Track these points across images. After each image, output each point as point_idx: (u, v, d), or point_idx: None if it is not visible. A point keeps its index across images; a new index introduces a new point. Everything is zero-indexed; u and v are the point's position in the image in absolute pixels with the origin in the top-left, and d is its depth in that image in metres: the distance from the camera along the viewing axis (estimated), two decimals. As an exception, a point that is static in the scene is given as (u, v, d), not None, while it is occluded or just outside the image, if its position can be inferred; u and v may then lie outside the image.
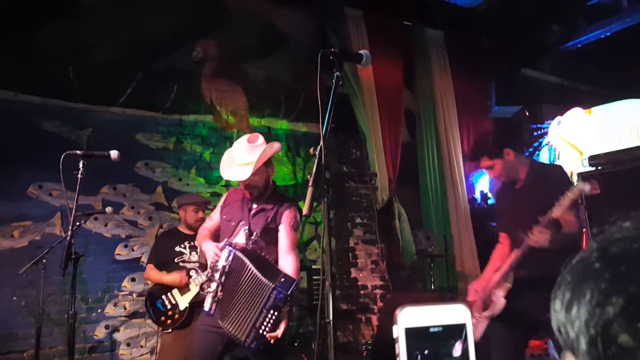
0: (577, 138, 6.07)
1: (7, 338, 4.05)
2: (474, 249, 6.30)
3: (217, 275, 2.79)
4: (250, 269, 2.69)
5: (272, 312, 2.64)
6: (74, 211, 2.73)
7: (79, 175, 2.67)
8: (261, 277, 2.65)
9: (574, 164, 5.91)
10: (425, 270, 5.83)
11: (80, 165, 2.70)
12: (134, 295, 4.61)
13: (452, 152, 6.46)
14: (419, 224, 6.38)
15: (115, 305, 4.55)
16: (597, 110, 6.11)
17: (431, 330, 0.51)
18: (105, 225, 4.64)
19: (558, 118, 6.41)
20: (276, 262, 2.85)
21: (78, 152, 2.73)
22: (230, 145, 5.33)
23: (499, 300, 2.84)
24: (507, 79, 6.65)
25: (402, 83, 6.25)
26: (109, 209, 3.78)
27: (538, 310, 2.62)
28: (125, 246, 4.70)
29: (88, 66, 4.55)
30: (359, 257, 6.04)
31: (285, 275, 2.71)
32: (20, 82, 4.32)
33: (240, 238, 2.90)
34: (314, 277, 5.58)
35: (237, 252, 2.77)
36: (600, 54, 6.59)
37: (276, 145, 3.06)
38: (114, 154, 2.83)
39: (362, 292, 5.94)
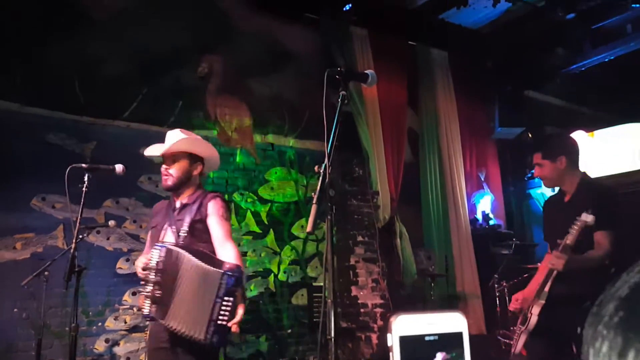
0: (580, 160, 6.07)
1: (7, 350, 4.04)
2: (475, 269, 6.29)
3: (152, 275, 2.63)
4: (190, 261, 2.59)
5: (227, 299, 2.53)
6: (78, 224, 2.74)
7: (83, 189, 2.69)
8: (206, 266, 2.57)
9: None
10: (426, 290, 5.82)
11: (85, 178, 2.72)
12: (135, 309, 4.61)
13: (454, 172, 6.48)
14: (420, 243, 6.37)
15: (115, 319, 4.54)
16: (599, 133, 6.14)
17: (427, 338, 0.49)
18: (108, 239, 4.64)
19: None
20: (213, 253, 2.76)
21: (84, 165, 2.75)
22: (234, 161, 5.42)
23: (533, 317, 2.91)
24: (510, 101, 6.68)
25: (405, 102, 6.30)
26: (111, 223, 3.80)
27: (570, 327, 2.66)
28: (127, 260, 4.70)
29: (94, 80, 4.60)
30: (360, 275, 6.03)
31: (226, 262, 2.63)
32: (26, 95, 4.36)
33: (168, 238, 2.82)
34: (314, 295, 5.57)
35: (169, 246, 2.65)
36: (603, 77, 6.63)
37: (203, 146, 3.03)
38: (119, 167, 2.86)
39: (362, 310, 5.91)
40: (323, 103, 1.80)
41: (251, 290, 5.34)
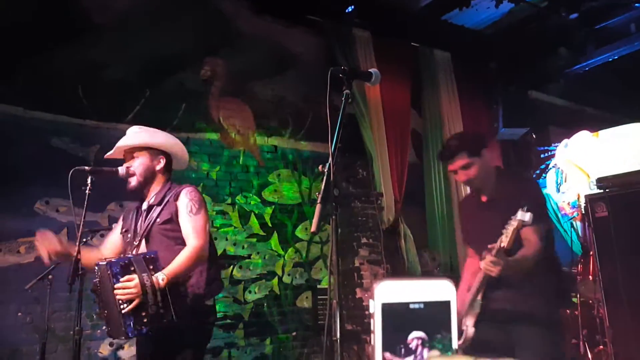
0: (585, 161, 6.06)
1: (11, 354, 4.03)
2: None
3: (97, 297, 2.59)
4: (105, 266, 2.49)
5: (117, 287, 2.42)
6: (81, 227, 2.73)
7: (87, 191, 2.68)
8: (103, 263, 2.49)
9: (582, 187, 5.89)
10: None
11: (89, 181, 2.71)
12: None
13: (458, 174, 6.46)
14: (425, 244, 6.35)
15: (119, 322, 4.52)
16: (604, 133, 6.12)
17: (411, 306, 0.44)
18: (111, 242, 4.63)
19: (565, 141, 6.42)
20: None
21: (86, 167, 2.73)
22: (237, 164, 5.41)
23: (468, 329, 2.66)
24: (514, 102, 6.66)
25: (409, 104, 6.28)
26: (115, 226, 3.78)
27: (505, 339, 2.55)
28: (131, 263, 4.69)
29: (97, 84, 4.60)
30: (365, 278, 6.01)
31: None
32: (29, 99, 4.37)
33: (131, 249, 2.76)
34: (319, 297, 5.55)
35: (100, 263, 2.54)
36: (607, 77, 6.61)
37: (162, 138, 2.94)
38: (122, 170, 2.84)
39: (367, 312, 5.89)
40: (327, 101, 1.79)
41: (255, 293, 5.32)
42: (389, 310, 0.42)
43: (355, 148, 5.82)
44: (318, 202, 1.69)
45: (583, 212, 4.99)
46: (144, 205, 2.86)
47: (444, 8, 5.83)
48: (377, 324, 0.41)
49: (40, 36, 4.36)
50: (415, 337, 0.40)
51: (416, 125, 6.58)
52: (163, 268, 2.56)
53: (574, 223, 6.00)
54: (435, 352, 0.38)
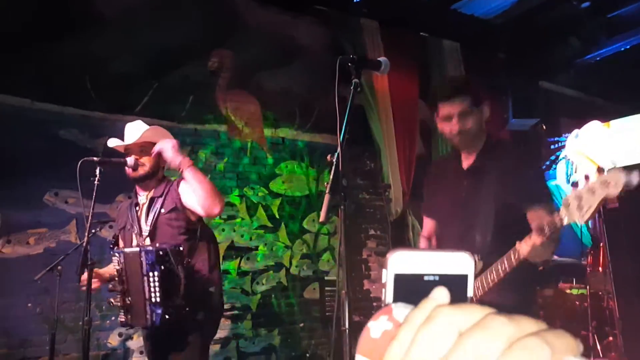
0: (595, 151, 6.00)
1: (21, 344, 4.06)
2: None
3: (118, 284, 2.64)
4: (138, 254, 2.53)
5: (152, 274, 2.47)
6: (90, 217, 2.74)
7: (95, 182, 2.68)
8: (135, 250, 2.55)
9: (593, 177, 5.84)
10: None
11: (97, 171, 2.71)
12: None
13: (467, 165, 6.42)
14: (434, 236, 6.32)
15: (128, 313, 4.54)
16: (615, 123, 6.05)
17: (426, 278, 0.42)
18: (120, 234, 4.65)
19: (576, 131, 6.36)
20: (194, 233, 2.77)
21: (95, 158, 2.74)
22: (245, 155, 5.40)
23: None
24: (524, 92, 6.60)
25: (417, 95, 6.24)
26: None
27: None
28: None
29: (105, 76, 4.59)
30: (372, 269, 6.00)
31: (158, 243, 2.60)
32: (37, 91, 4.37)
33: (134, 238, 2.81)
34: (326, 289, 5.55)
35: (126, 250, 2.62)
36: (619, 67, 6.53)
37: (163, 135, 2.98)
38: (130, 160, 2.84)
39: (374, 304, 5.89)
40: (335, 91, 1.77)
41: (263, 284, 5.33)
42: (401, 280, 0.40)
43: (362, 139, 5.80)
44: (327, 192, 1.68)
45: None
46: (142, 199, 2.89)
47: (453, -3, 5.77)
48: (388, 295, 0.39)
49: (47, 28, 4.35)
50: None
51: (424, 116, 6.53)
52: (185, 260, 2.61)
53: (584, 214, 5.95)
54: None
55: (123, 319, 2.64)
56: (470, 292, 0.43)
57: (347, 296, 1.55)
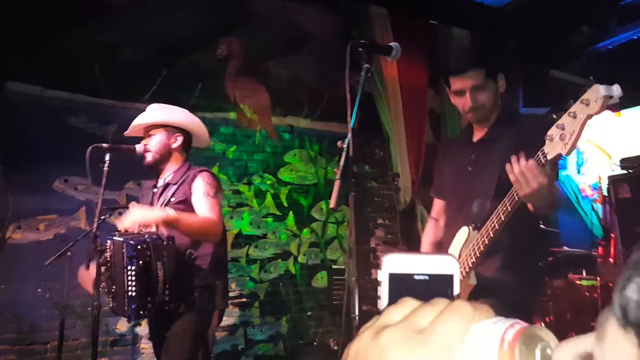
0: (606, 141, 5.95)
1: (31, 329, 4.10)
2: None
3: (107, 270, 2.57)
4: (121, 245, 2.43)
5: (130, 267, 2.36)
6: (99, 204, 2.74)
7: (105, 168, 2.69)
8: (119, 239, 2.44)
9: (603, 168, 5.80)
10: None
11: (107, 158, 2.71)
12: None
13: (476, 154, 6.38)
14: (442, 225, 6.30)
15: (137, 300, 4.57)
16: (626, 112, 5.99)
17: (416, 277, 0.50)
18: (129, 221, 4.67)
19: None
20: None
21: (104, 145, 2.74)
22: (254, 143, 5.40)
23: None
24: (534, 81, 6.53)
25: (427, 83, 6.19)
26: (133, 204, 3.80)
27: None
28: (148, 242, 4.73)
29: (114, 63, 4.59)
30: (380, 258, 6.00)
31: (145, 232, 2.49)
32: (47, 78, 4.38)
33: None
34: (334, 277, 5.56)
35: (115, 238, 2.51)
36: (631, 55, 6.45)
37: (179, 115, 2.91)
38: (139, 147, 2.85)
39: (383, 293, 5.89)
40: (346, 76, 1.75)
41: (271, 272, 5.34)
42: (395, 279, 0.49)
43: (371, 127, 5.77)
44: (337, 177, 1.67)
45: (604, 193, 4.91)
46: (160, 182, 2.86)
47: (464, -15, 5.72)
48: (383, 292, 0.48)
49: (57, 15, 4.35)
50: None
51: (434, 105, 6.49)
52: (178, 251, 2.56)
53: (594, 205, 5.92)
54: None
55: (110, 305, 2.62)
56: (456, 290, 0.50)
57: (357, 283, 1.54)
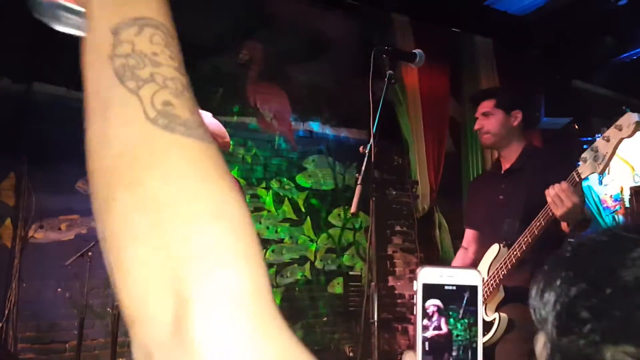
0: (629, 152, 5.87)
1: (50, 328, 4.15)
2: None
3: None
4: None
5: None
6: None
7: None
8: None
9: (625, 179, 5.72)
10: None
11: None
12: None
13: (496, 163, 6.33)
14: (460, 235, 6.25)
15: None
16: (651, 124, 5.90)
17: (446, 287, 0.59)
18: (149, 222, 4.71)
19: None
20: None
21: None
22: (273, 148, 5.42)
23: (500, 319, 2.22)
24: (557, 90, 6.48)
25: (448, 91, 6.17)
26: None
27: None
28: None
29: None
30: (397, 266, 5.97)
31: None
32: (73, 80, 4.44)
33: None
34: (350, 284, 5.55)
35: None
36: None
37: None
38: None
39: (399, 300, 5.86)
40: (370, 82, 1.76)
41: (288, 277, 5.35)
42: (428, 289, 0.59)
43: (391, 135, 5.76)
44: (358, 183, 1.67)
45: (626, 205, 4.84)
46: None
47: (486, -7, 5.70)
48: (418, 299, 0.58)
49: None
50: (432, 304, 0.57)
51: (454, 113, 6.46)
52: None
53: (616, 216, 5.83)
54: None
55: None
56: (479, 301, 0.58)
57: (376, 288, 1.54)
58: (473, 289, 0.59)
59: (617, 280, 0.50)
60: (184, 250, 0.37)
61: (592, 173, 1.95)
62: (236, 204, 0.42)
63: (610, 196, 6.16)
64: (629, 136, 1.86)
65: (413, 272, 5.89)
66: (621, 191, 5.71)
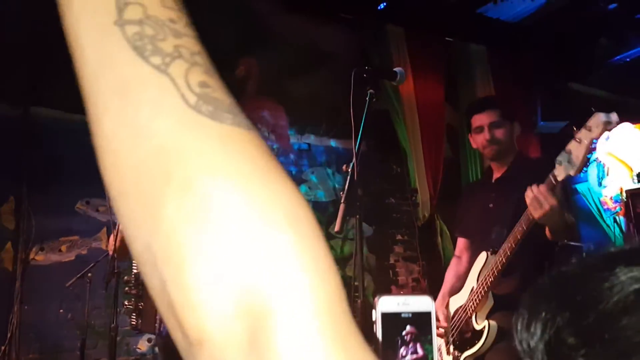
0: (627, 154, 5.87)
1: (53, 349, 4.17)
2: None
3: (133, 288, 2.64)
4: None
5: None
6: (118, 226, 2.80)
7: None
8: None
9: (624, 181, 5.71)
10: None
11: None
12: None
13: (495, 169, 6.34)
14: (461, 241, 6.26)
15: (157, 319, 4.62)
16: (647, 125, 5.91)
17: (402, 315, 0.61)
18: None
19: (607, 133, 6.22)
20: None
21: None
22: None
23: (490, 327, 2.20)
24: (553, 94, 6.49)
25: (443, 99, 6.19)
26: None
27: None
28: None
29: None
30: (400, 275, 5.97)
31: None
32: (69, 102, 4.48)
33: None
34: (354, 294, 5.55)
35: None
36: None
37: None
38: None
39: (402, 310, 5.86)
40: (350, 103, 1.79)
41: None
42: (386, 318, 0.61)
43: (389, 143, 5.78)
44: (342, 201, 1.70)
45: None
46: None
47: (478, 1, 5.72)
48: (378, 329, 0.60)
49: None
50: (409, 331, 0.60)
51: (451, 120, 6.48)
52: None
53: (616, 218, 5.82)
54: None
55: (134, 323, 2.67)
56: (433, 326, 0.60)
57: (362, 305, 1.56)
58: (426, 316, 0.61)
59: (599, 308, 0.50)
60: (259, 263, 0.33)
61: (568, 175, 1.97)
62: (305, 204, 0.37)
63: (610, 197, 6.15)
64: (598, 136, 1.93)
65: (416, 280, 5.91)
66: (621, 192, 5.70)
